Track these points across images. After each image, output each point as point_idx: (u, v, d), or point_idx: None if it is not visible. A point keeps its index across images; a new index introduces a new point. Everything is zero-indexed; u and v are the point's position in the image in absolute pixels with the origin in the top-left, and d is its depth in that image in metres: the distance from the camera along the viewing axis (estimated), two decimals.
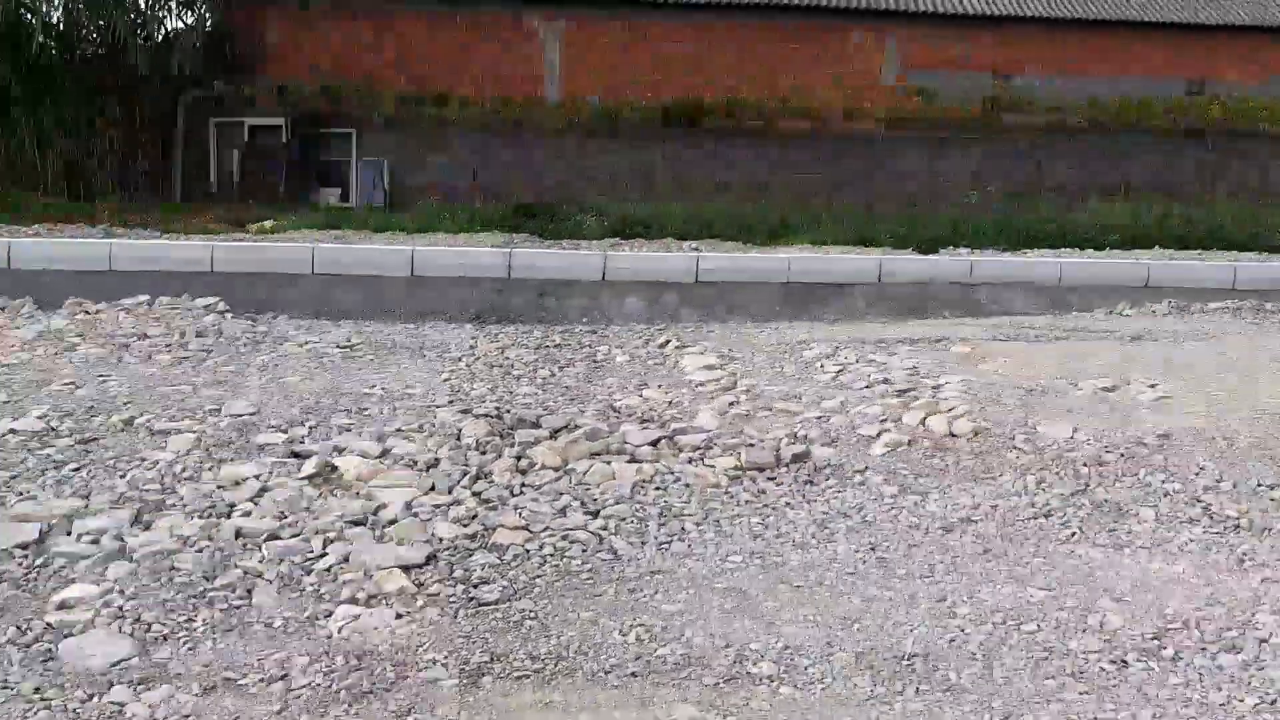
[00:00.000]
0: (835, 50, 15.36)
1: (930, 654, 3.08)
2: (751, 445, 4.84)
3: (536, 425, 4.94)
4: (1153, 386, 5.82)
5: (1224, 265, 8.98)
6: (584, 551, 3.73)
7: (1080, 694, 2.86)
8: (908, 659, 3.05)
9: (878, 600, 3.45)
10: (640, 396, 5.74)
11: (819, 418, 5.31)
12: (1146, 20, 16.38)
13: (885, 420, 5.23)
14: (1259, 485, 4.39)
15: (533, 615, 3.27)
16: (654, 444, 4.82)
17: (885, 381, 5.96)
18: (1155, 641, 3.14)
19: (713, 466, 4.62)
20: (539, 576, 3.55)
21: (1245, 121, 14.53)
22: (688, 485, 4.40)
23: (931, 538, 3.98)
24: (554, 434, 4.82)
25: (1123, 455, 4.69)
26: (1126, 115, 14.36)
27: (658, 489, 4.34)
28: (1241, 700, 2.82)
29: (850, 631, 3.23)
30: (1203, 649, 3.09)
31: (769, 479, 4.56)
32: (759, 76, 14.75)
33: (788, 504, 4.31)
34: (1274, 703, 2.80)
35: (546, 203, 12.33)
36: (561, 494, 4.18)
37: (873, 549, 3.87)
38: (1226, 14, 16.92)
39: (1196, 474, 4.50)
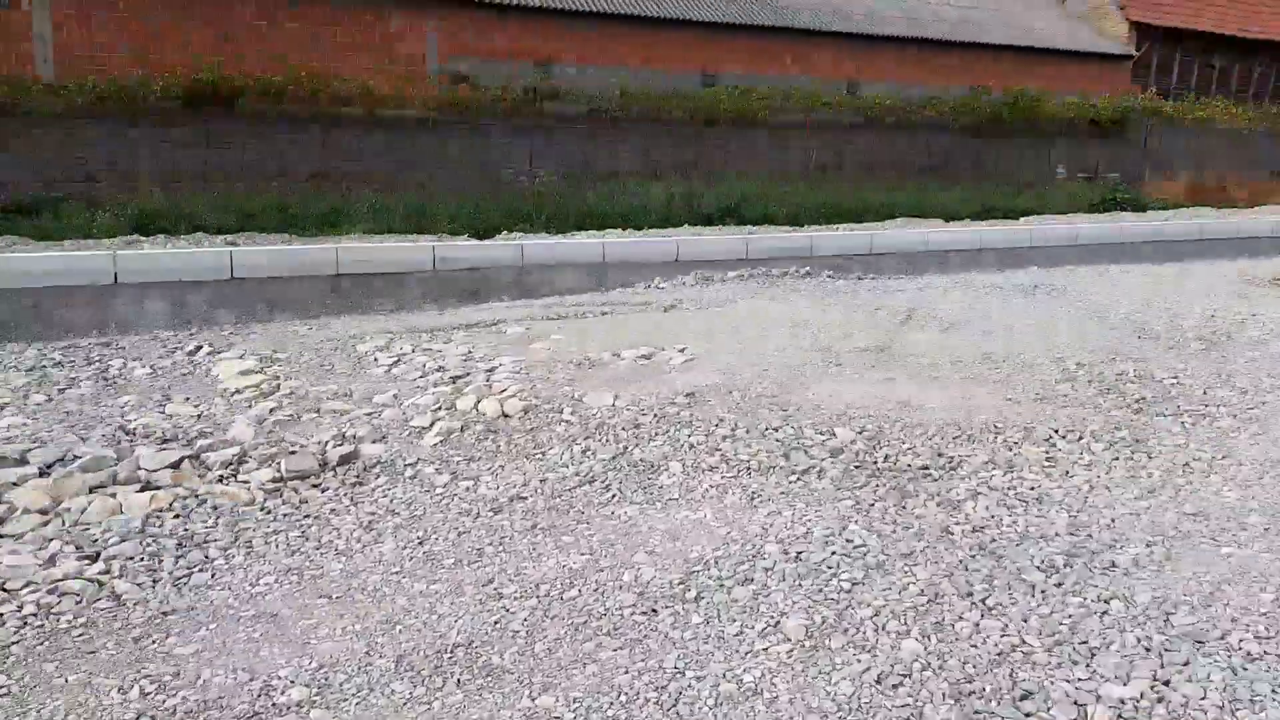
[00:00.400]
0: (377, 35, 14.99)
1: (474, 641, 3.02)
2: (293, 452, 4.48)
3: (22, 462, 4.14)
4: (682, 351, 6.33)
5: (738, 239, 10.12)
6: (78, 604, 3.17)
7: (615, 651, 2.96)
8: (451, 651, 2.96)
9: (423, 596, 3.32)
10: (162, 413, 5.08)
11: (369, 414, 5.07)
12: (668, 17, 18.03)
13: (439, 409, 5.13)
14: (767, 429, 4.92)
15: (4, 691, 2.70)
16: (175, 466, 4.27)
17: (440, 369, 5.86)
18: (681, 586, 3.35)
19: (247, 482, 4.20)
20: (15, 643, 2.95)
21: (749, 111, 16.59)
22: (215, 507, 3.95)
23: (482, 521, 3.94)
24: (44, 470, 4.07)
25: (656, 416, 5.02)
26: (656, 104, 15.68)
27: (177, 517, 3.85)
28: (752, 627, 3.10)
29: (392, 635, 3.07)
30: (721, 586, 3.36)
31: (313, 486, 4.25)
32: (299, 59, 13.93)
33: (332, 510, 4.04)
34: (778, 624, 3.11)
35: (47, 197, 10.55)
36: (50, 540, 3.53)
37: (421, 543, 3.74)
38: (733, 14, 19.21)
39: (717, 425, 4.93)
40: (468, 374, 5.71)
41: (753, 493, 4.18)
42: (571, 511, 4.03)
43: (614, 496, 4.17)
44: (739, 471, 4.42)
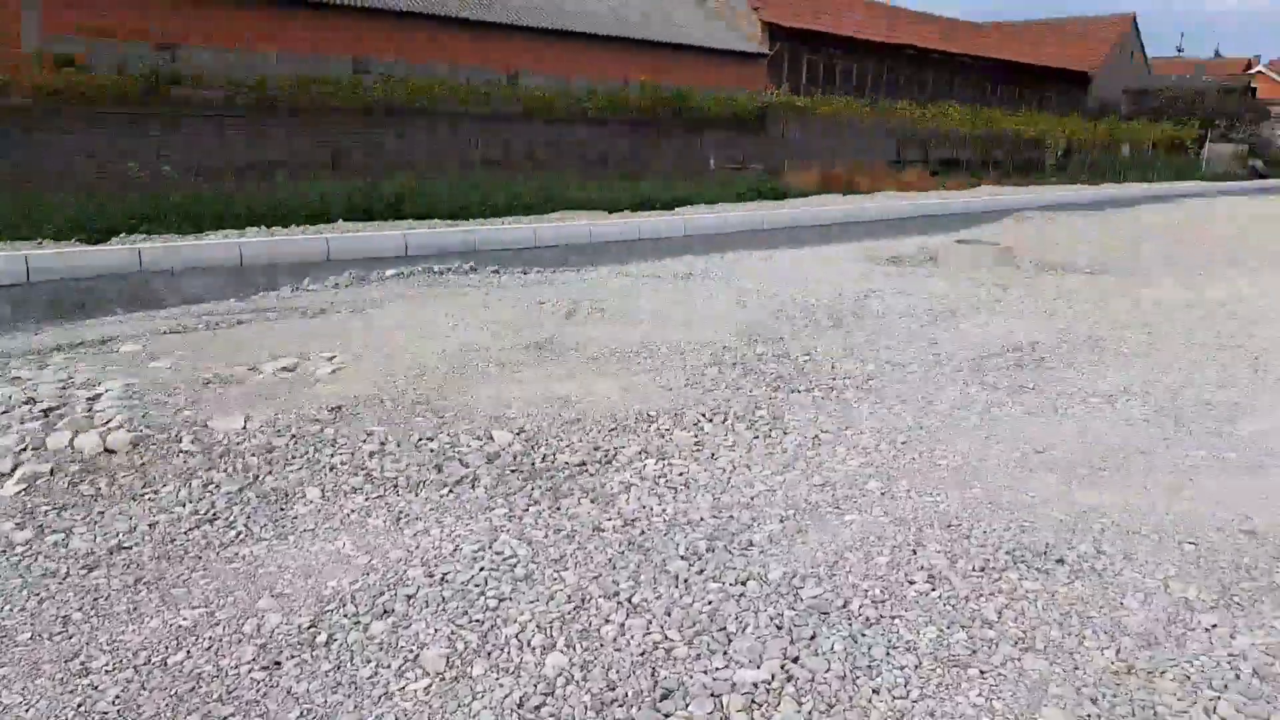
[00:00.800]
0: None
1: None
2: None
3: None
4: (331, 359, 5.89)
5: (397, 235, 9.68)
6: None
7: None
8: None
9: None
10: None
11: None
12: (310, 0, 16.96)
13: (24, 449, 4.34)
14: (420, 440, 4.65)
15: None
16: None
17: (30, 401, 4.98)
18: (311, 630, 3.02)
19: None
20: None
21: (408, 101, 16.03)
22: None
23: (70, 582, 3.35)
24: None
25: (294, 436, 4.59)
26: (306, 92, 14.68)
27: None
28: (388, 666, 2.84)
29: None
30: (357, 623, 3.06)
31: None
32: None
33: None
34: (417, 658, 2.87)
35: None
36: None
37: None
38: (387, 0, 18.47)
39: (364, 441, 4.59)
40: (64, 404, 4.90)
41: (399, 512, 3.91)
42: (186, 558, 3.54)
43: (239, 535, 3.71)
44: (385, 490, 4.12)
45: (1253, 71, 63.11)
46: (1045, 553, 3.60)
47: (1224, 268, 11.86)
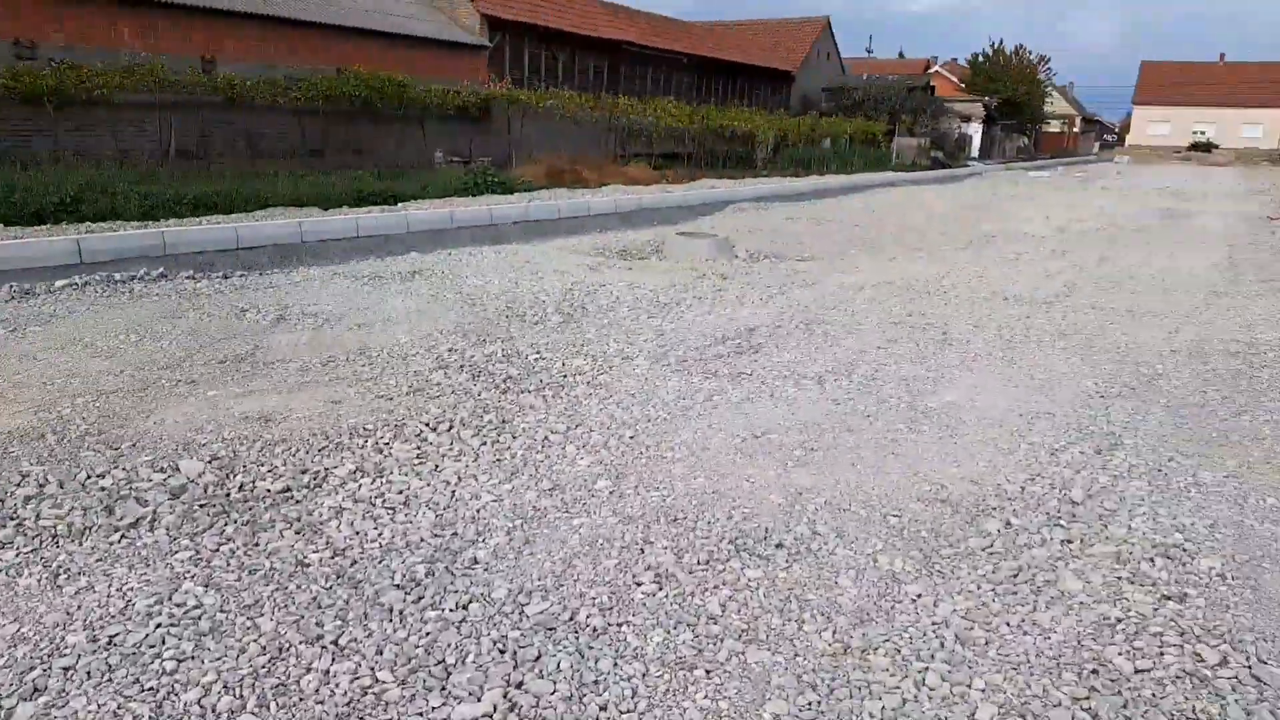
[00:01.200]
0: None
1: None
2: None
3: None
4: None
5: (68, 240, 8.47)
6: None
7: None
8: None
9: None
10: None
11: None
12: None
13: None
14: (89, 478, 4.04)
15: None
16: None
17: None
18: None
19: None
20: None
21: (84, 88, 14.23)
22: None
23: None
24: None
25: None
26: None
27: None
28: None
29: None
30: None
31: None
32: None
33: None
34: None
35: None
36: None
37: None
38: None
39: (17, 485, 3.92)
40: None
41: (58, 567, 3.33)
42: None
43: None
44: (42, 542, 3.51)
45: (931, 71, 70.48)
46: (765, 538, 3.65)
47: (912, 251, 13.01)
